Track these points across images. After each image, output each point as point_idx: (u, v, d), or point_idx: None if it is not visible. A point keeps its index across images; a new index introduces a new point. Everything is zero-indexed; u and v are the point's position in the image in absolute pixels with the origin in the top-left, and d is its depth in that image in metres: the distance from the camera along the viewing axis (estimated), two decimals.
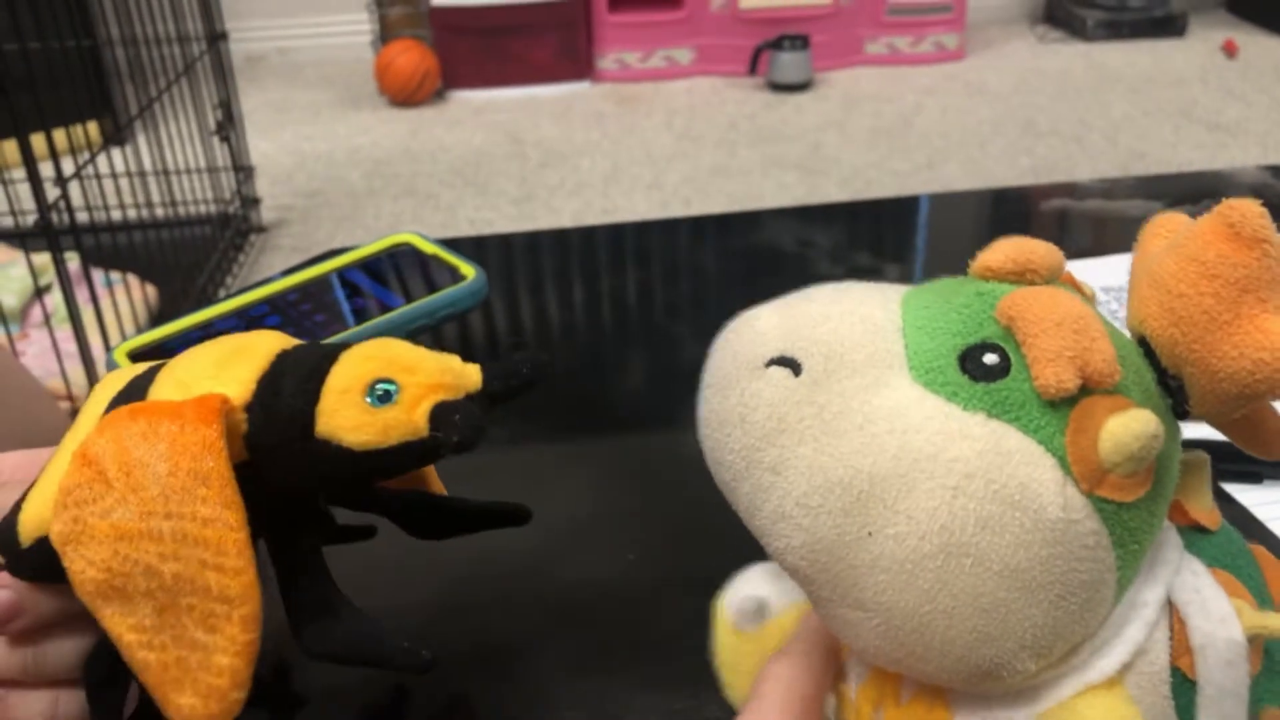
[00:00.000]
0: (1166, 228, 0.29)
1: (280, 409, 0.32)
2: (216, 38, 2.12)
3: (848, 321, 0.28)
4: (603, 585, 0.43)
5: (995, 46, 3.37)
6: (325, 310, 0.58)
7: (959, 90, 3.04)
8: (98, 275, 1.56)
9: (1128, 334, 0.29)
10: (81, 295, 1.41)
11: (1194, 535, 0.30)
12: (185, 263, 1.93)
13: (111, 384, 0.35)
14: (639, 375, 0.58)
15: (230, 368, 0.33)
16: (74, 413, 1.45)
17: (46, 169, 1.37)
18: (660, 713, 0.38)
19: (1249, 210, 0.26)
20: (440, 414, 0.32)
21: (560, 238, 0.78)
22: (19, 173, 1.49)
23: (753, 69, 3.11)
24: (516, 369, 0.35)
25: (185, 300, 1.80)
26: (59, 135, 1.47)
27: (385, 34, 3.10)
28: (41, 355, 1.54)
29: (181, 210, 2.09)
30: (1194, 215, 0.28)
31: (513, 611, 0.42)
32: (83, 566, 0.31)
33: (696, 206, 2.39)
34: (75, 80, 1.63)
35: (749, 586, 0.33)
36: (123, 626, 0.31)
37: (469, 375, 0.34)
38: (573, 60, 3.15)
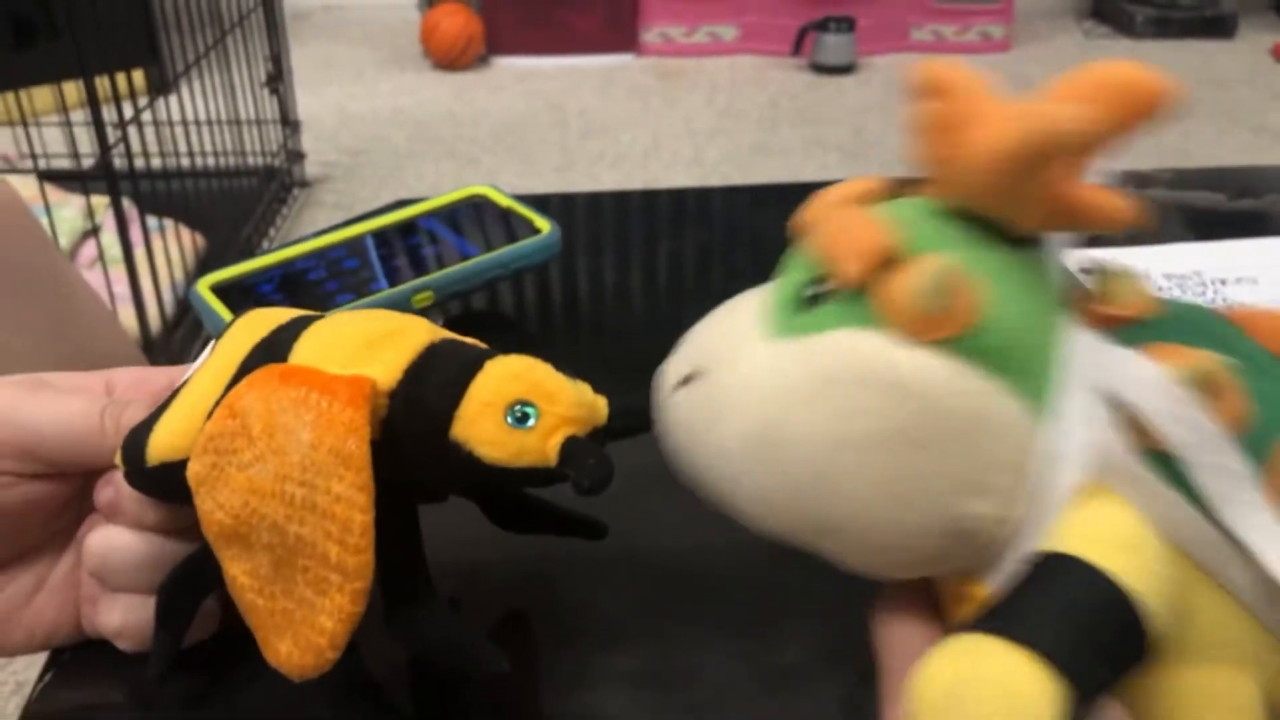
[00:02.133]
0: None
1: (422, 403, 0.33)
2: None
3: (721, 320, 0.33)
4: (669, 532, 0.45)
5: (1041, 40, 3.35)
6: (401, 255, 0.60)
7: (1003, 81, 2.99)
8: (148, 220, 1.58)
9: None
10: (132, 238, 1.43)
11: (1131, 329, 0.30)
12: (230, 213, 1.95)
13: (250, 326, 0.36)
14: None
15: (382, 350, 0.34)
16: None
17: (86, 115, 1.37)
18: (729, 653, 0.39)
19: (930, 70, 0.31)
20: (574, 453, 0.33)
21: (621, 200, 0.80)
22: (56, 116, 1.51)
23: (796, 49, 3.11)
24: (639, 411, 0.36)
25: (230, 250, 1.82)
26: (104, 83, 1.48)
27: None
28: None
29: (224, 161, 2.11)
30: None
31: (578, 556, 0.43)
32: (212, 508, 0.32)
33: (736, 184, 2.40)
34: (122, 27, 1.64)
35: None
36: (238, 569, 0.33)
37: (599, 410, 0.35)
38: (617, 32, 3.15)
